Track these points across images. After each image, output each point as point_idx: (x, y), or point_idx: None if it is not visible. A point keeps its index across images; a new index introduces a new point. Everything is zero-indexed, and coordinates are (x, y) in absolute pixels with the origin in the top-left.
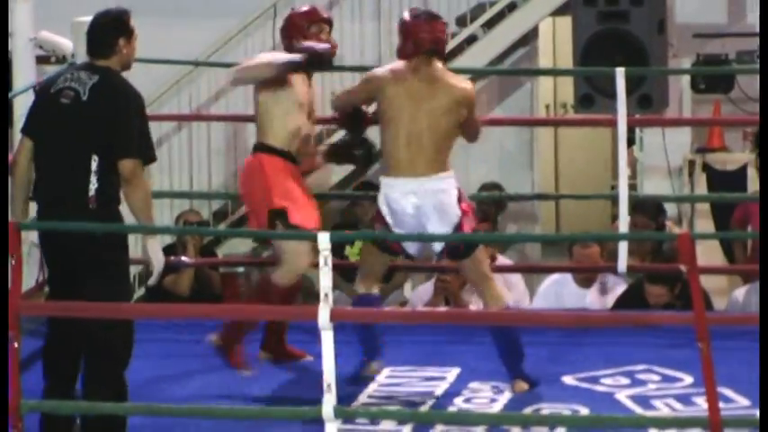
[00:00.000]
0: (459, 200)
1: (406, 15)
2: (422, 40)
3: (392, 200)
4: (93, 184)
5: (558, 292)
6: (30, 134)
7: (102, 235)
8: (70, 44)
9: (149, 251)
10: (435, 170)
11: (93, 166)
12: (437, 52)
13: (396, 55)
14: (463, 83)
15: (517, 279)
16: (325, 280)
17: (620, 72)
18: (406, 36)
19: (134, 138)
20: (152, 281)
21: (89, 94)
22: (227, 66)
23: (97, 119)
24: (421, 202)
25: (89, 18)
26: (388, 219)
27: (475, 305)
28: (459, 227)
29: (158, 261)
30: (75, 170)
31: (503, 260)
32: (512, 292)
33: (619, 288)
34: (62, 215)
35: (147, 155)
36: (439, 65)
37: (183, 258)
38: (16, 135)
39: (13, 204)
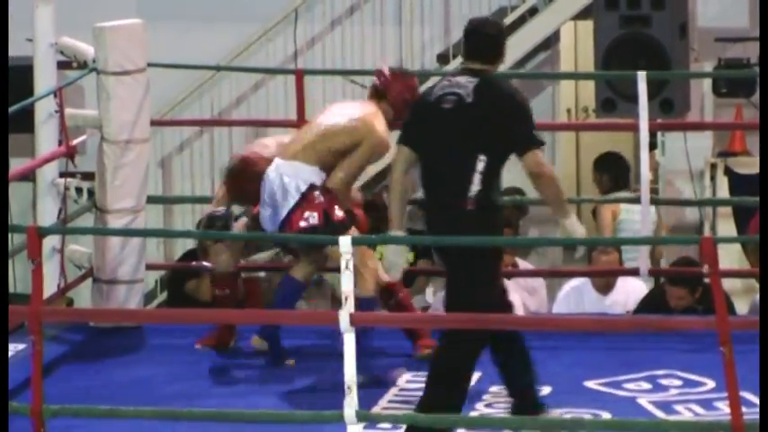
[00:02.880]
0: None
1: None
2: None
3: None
4: (476, 186)
5: (577, 298)
6: (408, 144)
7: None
8: (91, 49)
9: (568, 226)
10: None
11: (480, 166)
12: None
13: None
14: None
15: (539, 285)
16: (347, 283)
17: (641, 76)
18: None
19: (533, 128)
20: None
21: (474, 96)
22: (249, 71)
23: (486, 118)
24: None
25: (109, 24)
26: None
27: None
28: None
29: (580, 233)
30: (458, 173)
31: (524, 264)
32: (533, 297)
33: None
34: (442, 219)
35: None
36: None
37: (205, 263)
38: (37, 140)
39: (392, 214)
